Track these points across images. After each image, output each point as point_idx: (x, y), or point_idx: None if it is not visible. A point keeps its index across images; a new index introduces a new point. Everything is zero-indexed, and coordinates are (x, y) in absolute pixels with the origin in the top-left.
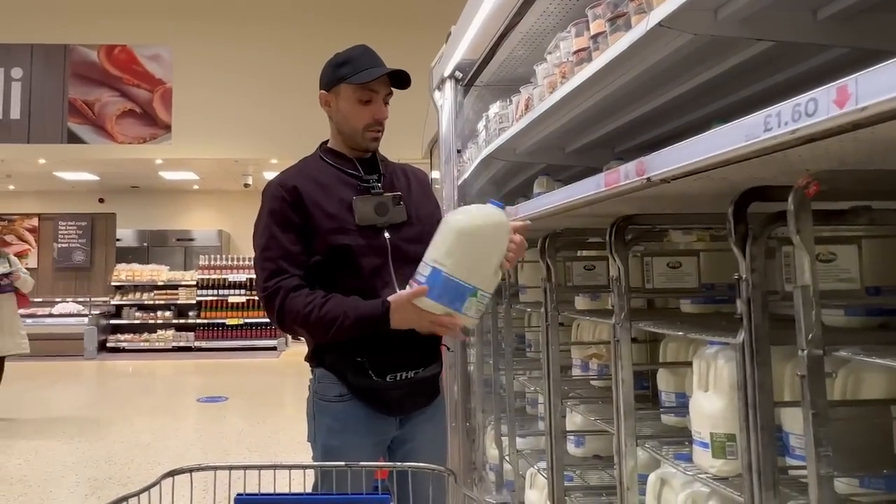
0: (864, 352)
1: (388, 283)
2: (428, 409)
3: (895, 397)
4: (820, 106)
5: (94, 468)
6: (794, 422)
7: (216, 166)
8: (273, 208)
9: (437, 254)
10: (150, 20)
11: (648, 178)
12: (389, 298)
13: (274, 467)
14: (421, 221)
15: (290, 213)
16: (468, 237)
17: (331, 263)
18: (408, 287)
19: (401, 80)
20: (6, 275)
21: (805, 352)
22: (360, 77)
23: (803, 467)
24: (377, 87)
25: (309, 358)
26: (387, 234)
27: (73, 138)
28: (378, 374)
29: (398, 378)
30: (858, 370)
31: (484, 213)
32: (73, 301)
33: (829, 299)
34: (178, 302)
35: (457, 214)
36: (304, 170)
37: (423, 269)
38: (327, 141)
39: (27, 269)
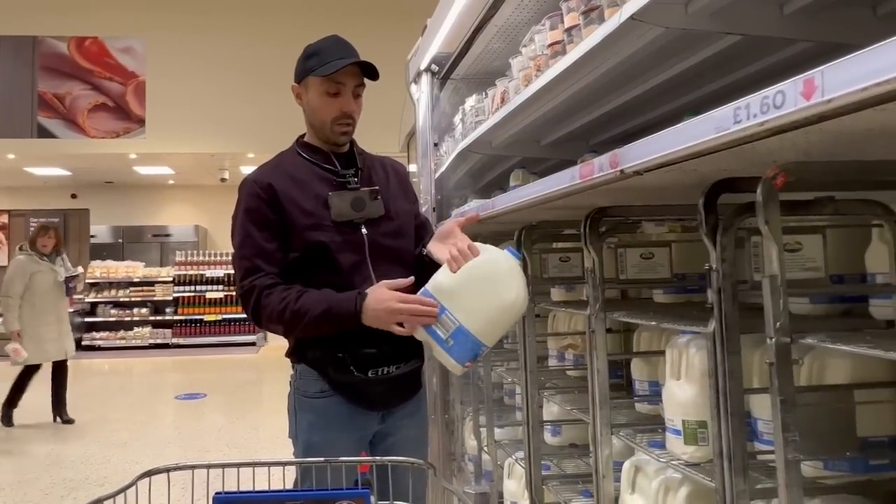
0: (829, 339)
1: (367, 279)
2: (409, 403)
3: (858, 382)
4: (787, 98)
5: (70, 469)
6: (762, 408)
7: (192, 161)
8: (248, 206)
9: (481, 327)
10: (121, 12)
11: (622, 171)
12: (367, 290)
13: (252, 465)
14: (399, 217)
15: (265, 210)
16: (518, 315)
17: (308, 260)
18: (435, 349)
19: (370, 70)
20: (73, 277)
21: (773, 339)
22: (325, 69)
23: (771, 452)
24: (344, 78)
25: (290, 354)
26: (364, 230)
27: (44, 133)
28: (359, 369)
29: (380, 373)
30: (823, 356)
31: (524, 289)
32: None
33: (796, 288)
34: (155, 298)
35: (510, 290)
36: (280, 165)
37: (459, 336)
38: (304, 135)
39: None
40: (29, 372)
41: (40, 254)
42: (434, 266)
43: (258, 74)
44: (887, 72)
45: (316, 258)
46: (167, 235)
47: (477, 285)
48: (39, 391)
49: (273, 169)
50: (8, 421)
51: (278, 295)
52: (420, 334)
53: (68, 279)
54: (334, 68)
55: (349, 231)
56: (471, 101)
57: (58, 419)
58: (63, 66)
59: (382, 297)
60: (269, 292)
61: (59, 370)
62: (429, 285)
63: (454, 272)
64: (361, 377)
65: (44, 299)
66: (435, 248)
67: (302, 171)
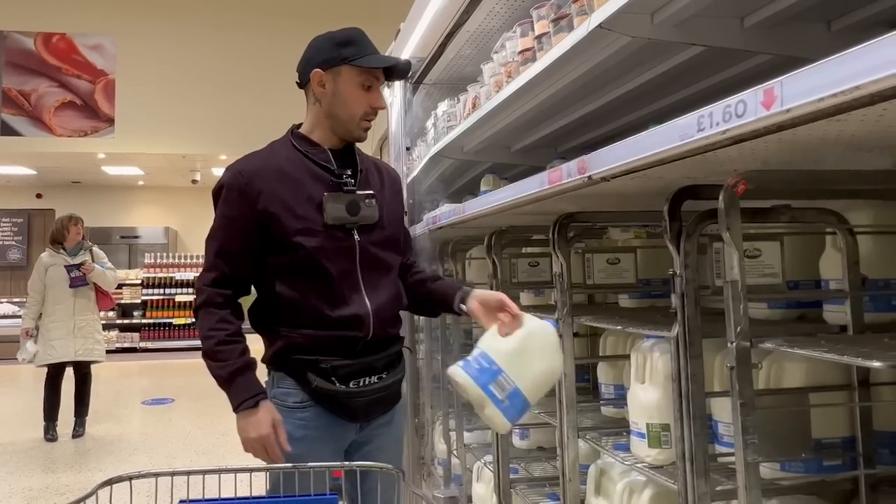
0: (787, 343)
1: (356, 289)
2: (388, 413)
3: (813, 385)
4: (748, 107)
5: (30, 478)
6: (722, 411)
7: (162, 161)
8: (227, 197)
9: (532, 391)
10: (91, 8)
11: (589, 177)
12: (262, 404)
13: (219, 471)
14: (391, 225)
15: (241, 206)
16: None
17: (295, 265)
18: (488, 408)
19: (398, 73)
20: (76, 266)
21: (734, 344)
22: (368, 61)
23: (732, 454)
24: (378, 74)
25: (267, 360)
26: (357, 236)
27: (8, 130)
28: (342, 380)
29: (362, 384)
30: (780, 360)
31: (560, 352)
32: (8, 302)
33: (755, 293)
34: (122, 301)
35: (557, 359)
36: (272, 158)
37: (514, 397)
38: (299, 125)
39: None
40: (50, 378)
41: (60, 246)
42: (421, 288)
43: (231, 75)
44: (842, 83)
45: (304, 264)
46: (136, 237)
47: (531, 353)
48: None
49: (263, 162)
50: (51, 436)
51: (214, 321)
52: (473, 391)
53: (69, 268)
54: (381, 63)
55: (342, 236)
56: (443, 106)
57: (78, 429)
58: (29, 63)
59: (260, 427)
60: (214, 312)
61: (78, 376)
62: (486, 349)
63: (503, 336)
64: (344, 388)
65: (56, 295)
66: (477, 309)
67: (296, 166)
